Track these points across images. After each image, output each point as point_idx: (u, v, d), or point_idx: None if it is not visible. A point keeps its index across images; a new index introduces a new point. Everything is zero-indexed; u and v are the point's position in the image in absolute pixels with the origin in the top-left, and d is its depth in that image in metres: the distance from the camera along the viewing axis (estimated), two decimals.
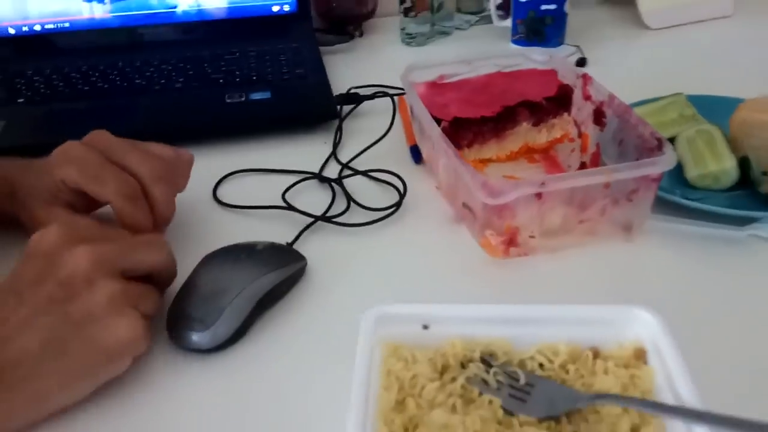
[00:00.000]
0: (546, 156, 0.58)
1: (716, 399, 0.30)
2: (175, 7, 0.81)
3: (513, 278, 0.47)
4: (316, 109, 0.67)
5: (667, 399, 0.33)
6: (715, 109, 0.56)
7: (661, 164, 0.45)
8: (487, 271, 0.48)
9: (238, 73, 0.72)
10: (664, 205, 0.50)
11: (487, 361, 0.36)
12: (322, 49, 0.78)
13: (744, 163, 0.51)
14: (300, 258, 0.48)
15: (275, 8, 0.82)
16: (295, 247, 0.50)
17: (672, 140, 0.55)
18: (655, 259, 0.47)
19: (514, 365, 0.36)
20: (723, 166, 0.51)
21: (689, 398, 0.31)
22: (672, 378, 0.33)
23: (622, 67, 0.73)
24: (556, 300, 0.37)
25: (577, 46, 0.75)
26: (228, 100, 0.68)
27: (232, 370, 0.41)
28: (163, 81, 0.72)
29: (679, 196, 0.50)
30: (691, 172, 0.52)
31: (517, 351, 0.37)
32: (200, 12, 0.81)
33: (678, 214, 0.49)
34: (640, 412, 0.32)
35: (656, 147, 0.47)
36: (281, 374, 0.41)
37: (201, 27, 0.81)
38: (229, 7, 0.81)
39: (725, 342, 0.40)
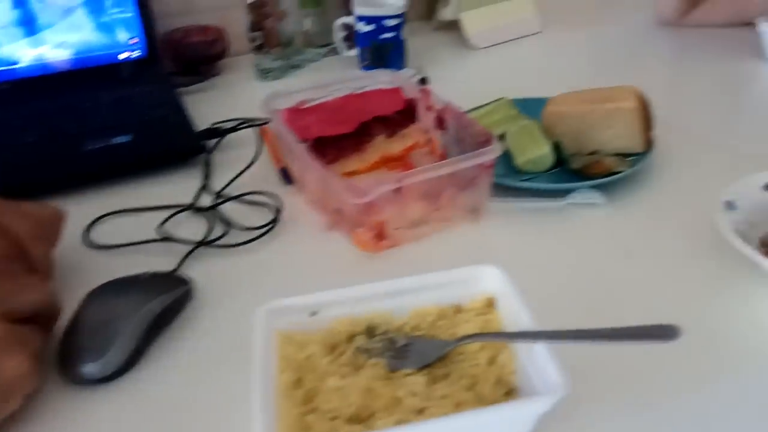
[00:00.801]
0: (403, 163, 0.68)
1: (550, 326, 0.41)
2: (16, 63, 0.82)
3: (386, 266, 0.55)
4: (181, 145, 0.72)
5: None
6: (532, 107, 0.70)
7: (491, 153, 0.57)
8: (363, 265, 0.56)
9: (94, 120, 0.75)
10: (501, 189, 0.61)
11: (370, 332, 0.44)
12: (179, 90, 0.84)
13: (557, 147, 0.64)
14: (184, 282, 0.53)
15: (122, 56, 0.86)
16: (179, 273, 0.54)
17: (502, 136, 0.68)
18: (498, 233, 0.59)
19: (393, 331, 0.44)
20: (541, 152, 0.64)
21: (527, 325, 0.41)
22: (515, 315, 0.43)
23: (457, 81, 0.87)
24: None
25: (419, 68, 0.88)
26: (88, 148, 0.70)
27: (133, 394, 0.45)
28: (13, 136, 0.73)
29: (511, 180, 0.62)
30: (518, 159, 0.65)
31: (394, 319, 0.45)
32: (44, 66, 0.83)
33: (513, 195, 0.61)
34: (493, 343, 0.42)
35: (487, 141, 0.58)
36: (183, 388, 0.45)
37: (47, 80, 0.83)
38: (74, 59, 0.83)
39: (553, 286, 0.52)
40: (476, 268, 0.46)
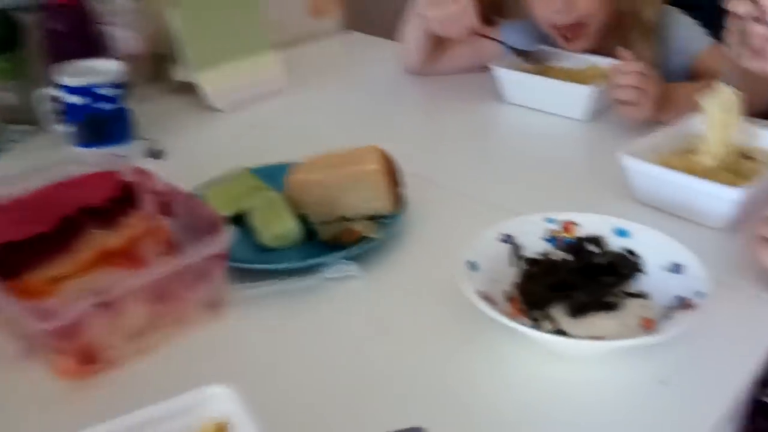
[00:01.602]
0: (129, 256, 0.59)
1: None
2: None
3: (101, 397, 0.46)
4: None
5: None
6: (277, 175, 0.67)
7: (220, 241, 0.51)
8: (71, 399, 0.46)
9: None
10: (247, 274, 0.56)
11: None
12: None
13: (305, 219, 0.61)
14: None
15: None
16: None
17: (244, 213, 0.63)
18: (245, 327, 0.53)
19: None
20: (286, 226, 0.60)
21: None
22: None
23: (199, 149, 0.81)
24: (152, 403, 0.38)
25: (152, 139, 0.80)
26: None
27: None
28: None
29: (259, 263, 0.57)
30: (264, 236, 0.60)
31: None
32: None
33: (262, 278, 0.56)
34: None
35: (215, 227, 0.53)
36: None
37: None
38: None
39: (310, 383, 0.48)
40: (202, 391, 0.40)
